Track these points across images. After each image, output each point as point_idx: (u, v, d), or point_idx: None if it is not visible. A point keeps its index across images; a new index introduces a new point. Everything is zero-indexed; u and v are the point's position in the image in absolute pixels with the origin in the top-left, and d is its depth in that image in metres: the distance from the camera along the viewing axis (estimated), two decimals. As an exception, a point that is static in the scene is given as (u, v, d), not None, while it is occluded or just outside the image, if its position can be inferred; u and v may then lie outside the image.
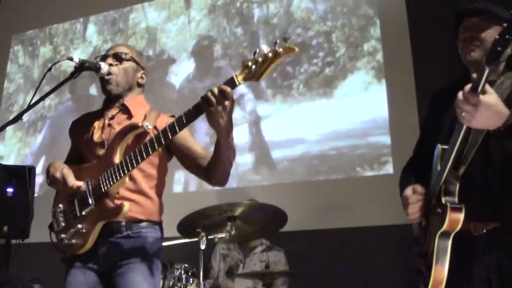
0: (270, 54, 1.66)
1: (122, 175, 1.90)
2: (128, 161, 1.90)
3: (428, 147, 1.87)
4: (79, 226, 1.98)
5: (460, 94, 1.50)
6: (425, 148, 1.93)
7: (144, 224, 2.05)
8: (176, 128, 1.81)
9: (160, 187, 2.15)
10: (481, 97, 1.45)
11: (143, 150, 1.87)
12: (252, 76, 1.69)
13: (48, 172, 2.09)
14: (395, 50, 4.08)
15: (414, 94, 3.82)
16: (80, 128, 2.21)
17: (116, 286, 1.98)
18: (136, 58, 2.20)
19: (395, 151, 3.81)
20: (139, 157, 1.88)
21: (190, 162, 2.07)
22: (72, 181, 1.99)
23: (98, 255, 2.01)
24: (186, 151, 2.06)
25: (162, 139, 1.84)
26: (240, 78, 1.72)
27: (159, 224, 2.13)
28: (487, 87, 1.48)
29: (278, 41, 1.66)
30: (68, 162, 2.20)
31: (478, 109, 1.46)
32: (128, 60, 2.16)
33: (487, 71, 1.43)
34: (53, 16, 5.60)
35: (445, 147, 1.70)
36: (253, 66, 1.68)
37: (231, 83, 1.73)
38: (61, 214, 2.06)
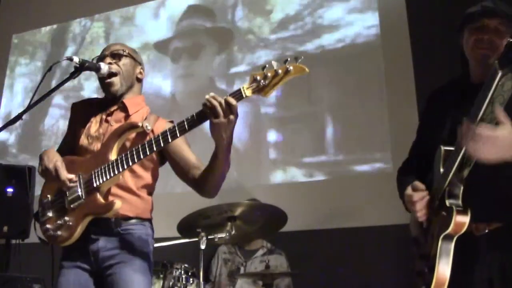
0: (280, 71, 1.66)
1: (116, 173, 1.90)
2: (124, 159, 1.89)
3: (425, 147, 1.86)
4: (66, 218, 1.97)
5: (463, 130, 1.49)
6: (423, 148, 1.92)
7: (133, 221, 2.05)
8: (177, 133, 1.80)
9: (149, 188, 2.14)
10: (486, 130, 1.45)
11: (140, 150, 1.87)
12: (260, 90, 1.69)
13: (41, 160, 2.06)
14: (395, 50, 4.08)
15: (414, 94, 3.82)
16: (79, 116, 2.21)
17: (108, 284, 1.98)
18: (132, 54, 2.21)
19: (395, 150, 3.81)
20: (135, 157, 1.87)
21: (182, 170, 2.07)
22: (64, 175, 1.96)
23: (89, 254, 2.01)
24: (180, 159, 2.06)
25: (161, 141, 1.83)
26: (248, 91, 1.71)
27: (149, 220, 2.13)
28: (502, 117, 1.46)
29: (289, 59, 1.66)
30: (62, 147, 2.21)
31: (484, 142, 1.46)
32: (126, 56, 2.17)
33: (499, 75, 1.41)
34: (53, 16, 5.59)
35: (448, 148, 1.69)
36: (262, 81, 1.68)
37: (239, 95, 1.72)
38: (49, 204, 2.05)
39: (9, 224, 3.77)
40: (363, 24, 4.24)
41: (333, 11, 4.37)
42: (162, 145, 1.83)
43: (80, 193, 1.95)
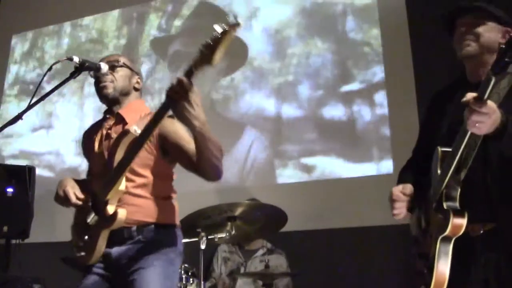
0: (219, 35, 1.63)
1: (116, 182, 1.92)
2: (119, 166, 1.92)
3: (426, 148, 1.87)
4: (87, 237, 2.02)
5: (468, 109, 1.51)
6: (423, 149, 1.94)
7: (155, 227, 2.04)
8: (151, 127, 1.84)
9: (165, 191, 2.13)
10: (489, 103, 1.47)
11: (128, 154, 1.90)
12: (206, 61, 1.66)
13: (57, 189, 2.13)
14: (395, 49, 4.08)
15: (414, 94, 3.82)
16: (87, 141, 2.25)
17: None
18: (129, 65, 2.21)
19: (395, 151, 3.82)
20: (125, 162, 1.90)
21: (185, 160, 2.04)
22: (73, 197, 2.03)
23: (111, 261, 2.02)
24: (180, 150, 2.04)
25: (140, 141, 1.87)
26: (196, 65, 1.69)
27: (173, 226, 2.10)
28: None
29: (227, 19, 1.62)
30: (88, 173, 2.28)
31: (491, 116, 1.49)
32: (121, 66, 2.17)
33: (493, 81, 1.43)
34: (53, 16, 5.59)
35: (445, 149, 1.71)
36: (206, 51, 1.65)
37: (188, 72, 1.71)
38: (76, 228, 2.12)
39: (9, 224, 3.77)
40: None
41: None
42: (143, 143, 1.87)
43: (93, 210, 2.00)
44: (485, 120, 1.49)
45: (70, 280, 3.71)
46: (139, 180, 2.05)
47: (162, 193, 2.11)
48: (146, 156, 2.03)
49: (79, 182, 2.16)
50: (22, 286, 3.51)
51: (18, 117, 1.98)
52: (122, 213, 1.92)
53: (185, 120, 1.78)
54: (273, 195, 3.81)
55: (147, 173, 2.07)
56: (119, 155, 1.98)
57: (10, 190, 3.87)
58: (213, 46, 1.63)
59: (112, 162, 1.98)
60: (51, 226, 4.28)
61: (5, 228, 3.75)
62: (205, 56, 1.65)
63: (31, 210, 3.85)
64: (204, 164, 1.94)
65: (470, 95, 1.50)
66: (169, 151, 2.09)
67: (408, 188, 1.84)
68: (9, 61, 5.67)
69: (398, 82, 3.98)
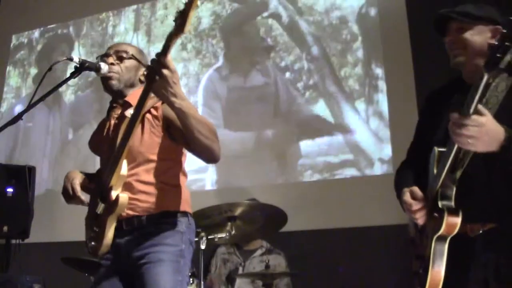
0: (187, 1, 1.66)
1: (116, 166, 1.92)
2: (117, 151, 1.93)
3: (422, 148, 1.86)
4: (95, 227, 2.01)
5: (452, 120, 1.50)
6: (420, 149, 1.92)
7: (165, 216, 2.01)
8: (138, 107, 1.86)
9: (174, 175, 2.09)
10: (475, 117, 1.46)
11: (123, 136, 1.92)
12: (178, 30, 1.69)
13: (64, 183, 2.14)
14: (395, 50, 4.08)
15: (414, 94, 3.83)
16: (96, 135, 2.24)
17: (138, 285, 1.95)
18: (137, 56, 2.19)
19: (395, 151, 3.82)
20: (122, 145, 1.91)
21: (184, 142, 2.01)
22: (78, 191, 2.06)
23: (121, 253, 2.01)
24: (179, 132, 1.99)
25: (132, 121, 1.89)
26: (172, 37, 1.71)
27: (183, 214, 2.06)
28: (480, 107, 1.47)
29: None
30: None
31: (482, 129, 1.46)
32: (129, 58, 2.16)
33: (486, 77, 1.42)
34: (53, 16, 5.60)
35: (442, 149, 1.70)
36: (178, 21, 1.69)
37: (165, 47, 1.73)
38: (88, 220, 2.11)
39: (9, 224, 3.78)
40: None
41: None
42: (135, 121, 1.88)
43: (99, 199, 2.00)
44: (476, 134, 1.47)
45: (70, 280, 3.73)
46: (147, 165, 2.03)
47: (171, 179, 2.08)
48: (152, 139, 2.02)
49: (88, 175, 2.16)
50: (22, 286, 3.51)
51: (18, 117, 1.98)
52: (123, 197, 1.91)
53: (163, 97, 1.79)
54: (273, 195, 3.81)
55: (155, 156, 2.04)
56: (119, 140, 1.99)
57: (10, 190, 3.87)
58: (184, 15, 1.66)
59: (114, 149, 1.98)
60: (51, 226, 4.29)
61: (5, 228, 3.75)
62: (179, 26, 1.68)
63: (31, 210, 3.85)
64: (194, 144, 1.91)
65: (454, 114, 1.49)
66: (173, 133, 2.05)
67: (416, 192, 1.77)
68: (8, 60, 5.68)
69: (398, 82, 3.99)
